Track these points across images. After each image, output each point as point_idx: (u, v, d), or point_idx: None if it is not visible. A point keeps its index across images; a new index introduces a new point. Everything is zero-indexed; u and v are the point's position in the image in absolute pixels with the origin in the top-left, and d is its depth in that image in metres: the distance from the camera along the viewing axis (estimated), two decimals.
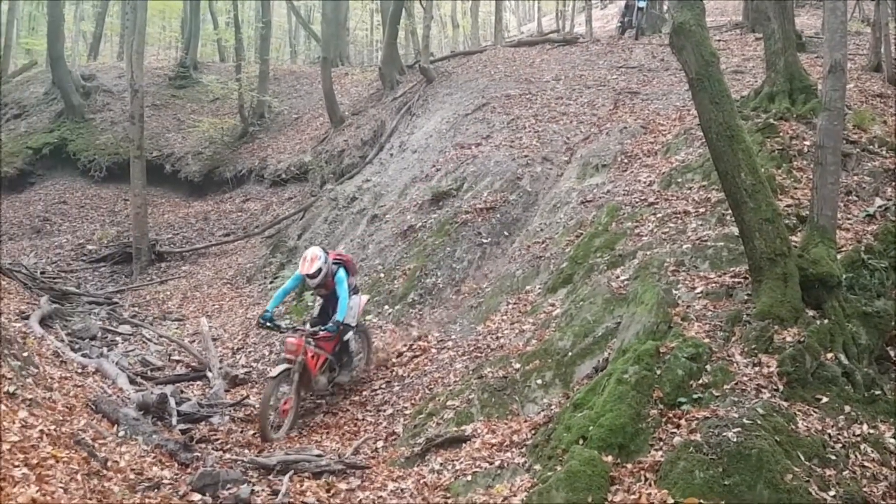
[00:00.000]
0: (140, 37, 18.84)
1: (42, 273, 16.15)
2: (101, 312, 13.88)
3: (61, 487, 5.20)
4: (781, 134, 9.41)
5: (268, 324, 8.47)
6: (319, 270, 8.37)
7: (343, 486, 6.39)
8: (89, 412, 7.46)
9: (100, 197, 23.00)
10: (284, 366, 8.06)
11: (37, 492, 4.90)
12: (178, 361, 11.01)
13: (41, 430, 5.98)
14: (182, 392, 9.40)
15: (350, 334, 8.82)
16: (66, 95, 25.54)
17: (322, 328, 8.28)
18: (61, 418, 6.69)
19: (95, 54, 36.58)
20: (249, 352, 11.02)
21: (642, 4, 20.44)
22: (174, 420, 8.04)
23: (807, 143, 9.12)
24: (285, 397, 8.16)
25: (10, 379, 6.58)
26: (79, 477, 5.51)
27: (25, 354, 7.87)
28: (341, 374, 8.81)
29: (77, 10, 32.63)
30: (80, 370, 9.16)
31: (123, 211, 21.50)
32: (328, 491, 6.31)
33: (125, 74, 23.64)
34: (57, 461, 5.57)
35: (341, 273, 8.52)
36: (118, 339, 12.06)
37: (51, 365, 8.76)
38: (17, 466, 5.18)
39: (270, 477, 6.57)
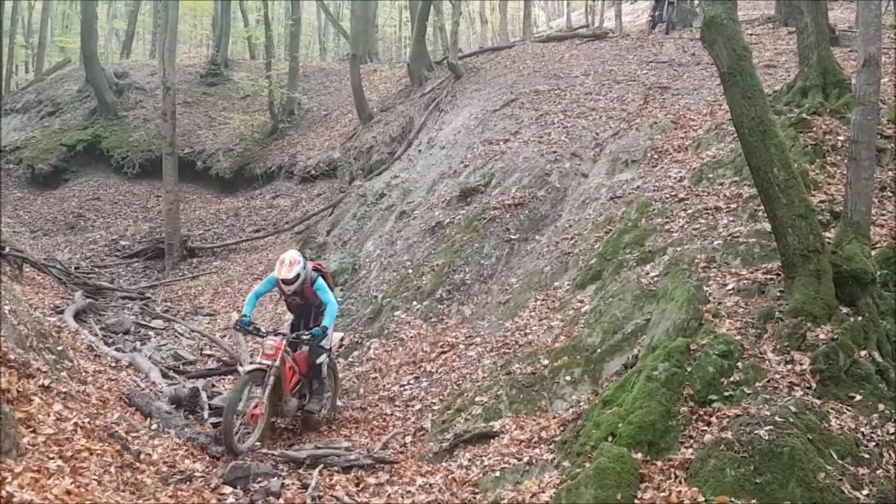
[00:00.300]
0: (172, 35, 19.04)
1: (76, 268, 16.40)
2: (133, 307, 14.09)
3: (95, 479, 5.28)
4: (815, 129, 9.27)
5: (247, 328, 7.85)
6: (298, 276, 7.68)
7: (372, 480, 6.43)
8: (122, 405, 7.58)
9: (132, 193, 23.30)
10: (258, 365, 7.38)
11: (71, 483, 4.98)
12: (209, 356, 11.14)
13: (75, 423, 6.08)
14: (213, 386, 9.52)
15: (323, 358, 8.01)
16: (100, 93, 25.88)
17: (307, 332, 7.72)
18: (95, 411, 6.80)
19: (128, 52, 37.03)
20: None
21: None
22: (206, 414, 8.14)
23: (840, 138, 8.98)
24: (256, 400, 7.32)
25: (44, 372, 6.69)
26: (112, 469, 5.60)
27: (60, 348, 8.01)
28: (311, 400, 8.01)
29: (110, 8, 32.99)
30: (113, 364, 9.29)
31: (156, 207, 21.76)
32: (357, 485, 6.35)
33: (157, 72, 23.91)
34: (91, 453, 5.66)
35: (321, 282, 7.90)
36: (151, 333, 12.23)
37: (85, 359, 8.91)
38: (52, 458, 5.27)
39: (300, 470, 6.63)
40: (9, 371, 6.00)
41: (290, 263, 7.66)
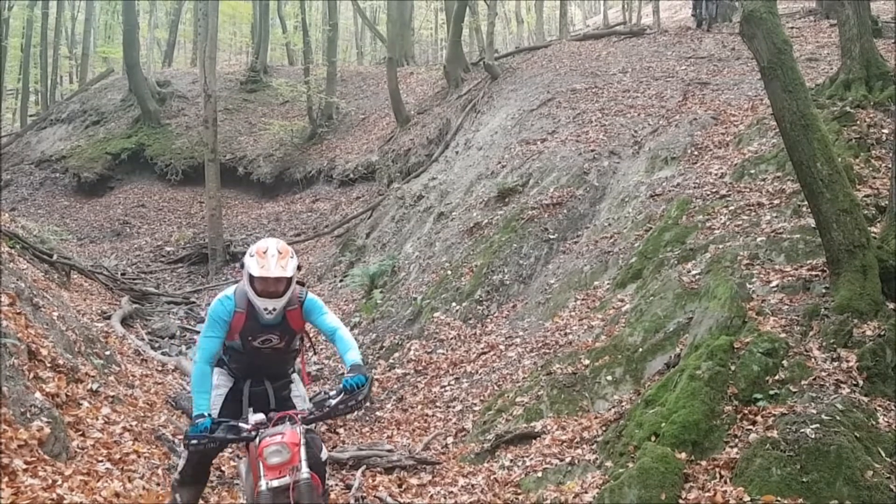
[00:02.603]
0: (212, 43, 19.34)
1: (122, 274, 16.73)
2: (179, 312, 14.34)
3: (143, 482, 5.39)
4: (858, 122, 9.10)
5: (211, 439, 4.20)
6: (289, 281, 4.50)
7: (414, 481, 6.46)
8: (169, 408, 7.72)
9: (176, 200, 23.72)
10: (280, 482, 4.10)
11: (120, 486, 5.09)
12: None
13: (123, 427, 6.21)
14: None
15: (326, 453, 4.63)
16: (143, 101, 26.38)
17: (344, 388, 4.28)
18: (142, 414, 6.94)
19: (170, 61, 37.73)
20: (320, 349, 11.19)
21: None
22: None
23: (885, 131, 8.80)
24: None
25: (93, 377, 6.85)
26: (160, 472, 5.71)
27: (108, 353, 8.18)
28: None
29: (151, 18, 33.62)
30: (159, 368, 9.47)
31: (199, 213, 22.10)
32: (400, 486, 6.39)
33: (199, 80, 24.34)
34: (139, 456, 5.79)
35: (312, 296, 4.77)
36: (196, 337, 12.42)
37: (132, 363, 9.09)
38: (101, 461, 5.40)
39: (343, 472, 6.69)
40: (58, 376, 6.15)
41: (280, 253, 4.45)
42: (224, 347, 4.68)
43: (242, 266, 4.53)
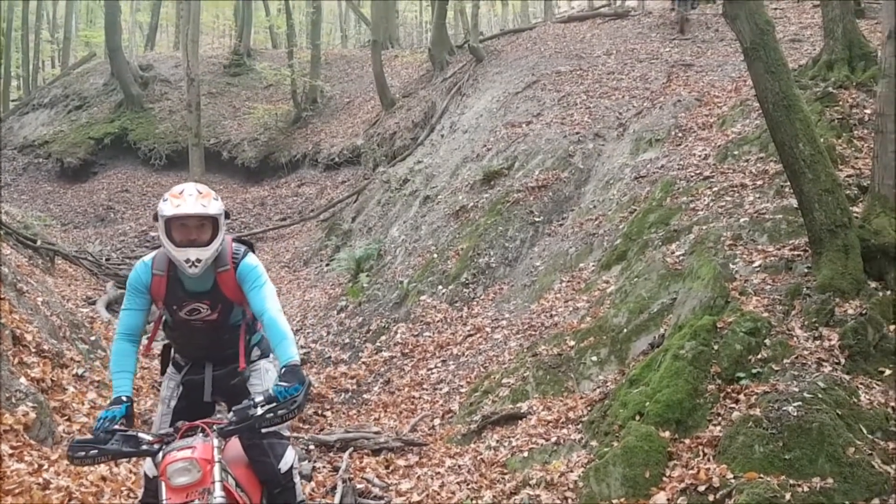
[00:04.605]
0: (195, 26, 19.19)
1: (107, 259, 16.65)
2: None
3: (129, 465, 5.40)
4: (841, 103, 9.15)
5: (102, 451, 3.34)
6: (217, 225, 3.77)
7: (401, 462, 6.50)
8: (155, 393, 7.70)
9: (160, 184, 23.56)
10: None
11: (106, 470, 5.10)
12: None
13: None
14: None
15: (291, 455, 3.96)
16: (125, 86, 26.15)
17: (263, 396, 3.43)
18: None
19: (152, 44, 37.37)
20: (307, 333, 11.21)
21: None
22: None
23: (867, 111, 8.85)
24: None
25: (78, 362, 6.84)
26: None
27: (93, 338, 8.17)
28: None
29: (133, 2, 33.28)
30: (145, 353, 9.43)
31: None
32: (387, 467, 6.43)
33: (181, 64, 24.18)
34: None
35: (252, 260, 3.93)
36: None
37: None
38: None
39: (331, 454, 6.72)
40: (43, 361, 6.14)
41: (200, 192, 3.77)
42: (164, 329, 4.10)
43: (156, 218, 3.73)
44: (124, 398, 3.62)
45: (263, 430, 3.51)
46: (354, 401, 8.52)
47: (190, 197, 3.67)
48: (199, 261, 3.68)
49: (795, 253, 6.81)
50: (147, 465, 3.70)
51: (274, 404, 3.37)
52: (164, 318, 4.05)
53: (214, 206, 3.72)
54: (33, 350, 6.15)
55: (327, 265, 14.42)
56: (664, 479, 4.88)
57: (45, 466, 4.77)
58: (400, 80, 23.51)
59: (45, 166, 24.97)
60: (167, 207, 3.64)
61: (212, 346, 4.00)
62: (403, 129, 19.45)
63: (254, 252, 4.04)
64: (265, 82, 27.17)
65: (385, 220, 14.44)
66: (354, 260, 12.86)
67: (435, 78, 20.82)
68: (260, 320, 3.82)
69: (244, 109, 25.65)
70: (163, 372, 4.22)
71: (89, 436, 3.50)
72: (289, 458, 3.88)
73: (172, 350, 4.18)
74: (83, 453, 3.30)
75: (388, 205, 14.96)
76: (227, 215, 3.88)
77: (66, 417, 5.76)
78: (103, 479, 4.97)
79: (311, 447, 6.85)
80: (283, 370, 3.53)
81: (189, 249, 3.66)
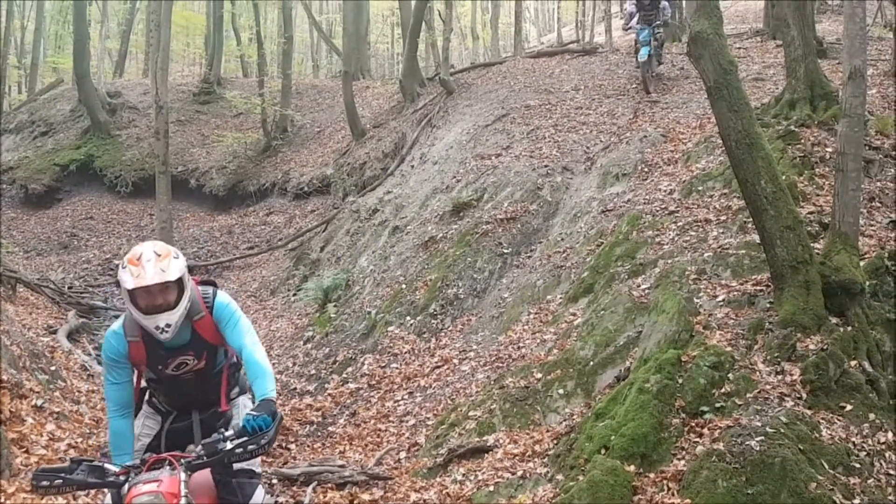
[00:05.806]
0: (164, 54, 19.10)
1: (69, 288, 16.35)
2: None
3: (87, 500, 5.28)
4: (803, 141, 9.36)
5: (56, 484, 3.31)
6: (179, 286, 3.68)
7: (366, 496, 6.43)
8: None
9: (126, 212, 23.33)
10: None
11: (64, 503, 4.99)
12: None
13: (68, 443, 6.10)
14: None
15: (262, 496, 3.94)
16: (93, 112, 25.92)
17: (244, 429, 3.42)
18: (88, 431, 6.80)
19: (121, 71, 37.14)
20: (273, 363, 11.05)
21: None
22: None
23: (829, 149, 9.06)
24: None
25: (37, 392, 6.71)
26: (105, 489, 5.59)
27: (53, 368, 8.01)
28: None
29: (103, 28, 33.06)
30: None
31: (149, 226, 21.75)
32: (351, 501, 6.36)
33: (150, 91, 24.00)
34: None
35: (223, 298, 3.95)
36: None
37: (78, 378, 8.90)
38: None
39: (294, 488, 6.63)
40: (1, 391, 6.01)
41: (158, 255, 3.64)
42: (146, 380, 4.01)
43: (119, 285, 3.70)
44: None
45: (235, 466, 3.50)
46: (319, 433, 8.42)
47: (148, 263, 3.57)
48: (168, 326, 3.64)
49: (758, 288, 6.91)
50: (108, 499, 3.62)
51: (244, 439, 3.37)
52: (146, 376, 4.00)
53: (175, 268, 3.63)
54: None
55: (294, 295, 14.32)
56: None
57: (2, 500, 4.65)
58: (371, 110, 23.60)
59: (8, 192, 24.57)
60: (127, 278, 3.58)
61: (199, 392, 4.01)
62: (373, 160, 19.49)
63: (218, 288, 4.02)
64: (235, 111, 27.08)
65: (354, 250, 14.40)
66: (322, 290, 12.79)
67: (406, 109, 20.93)
68: (239, 354, 3.83)
69: (213, 137, 25.52)
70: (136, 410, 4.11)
71: (55, 465, 3.49)
72: (257, 498, 3.82)
73: (149, 393, 4.12)
74: (47, 483, 3.26)
75: (357, 234, 14.94)
76: (190, 270, 3.79)
77: (24, 449, 5.63)
78: None
79: (275, 481, 6.75)
80: (258, 403, 3.55)
81: (157, 316, 3.62)
